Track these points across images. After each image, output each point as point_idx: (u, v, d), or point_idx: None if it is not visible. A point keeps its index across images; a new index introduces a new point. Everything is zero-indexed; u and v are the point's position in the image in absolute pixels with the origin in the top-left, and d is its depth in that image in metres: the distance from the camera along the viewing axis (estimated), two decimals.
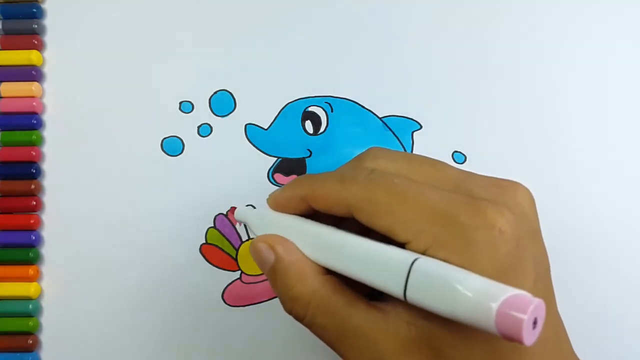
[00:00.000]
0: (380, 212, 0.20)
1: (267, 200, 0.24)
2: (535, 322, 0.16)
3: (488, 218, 0.18)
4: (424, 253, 0.19)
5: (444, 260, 0.18)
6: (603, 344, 0.30)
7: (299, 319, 0.22)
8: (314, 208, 0.22)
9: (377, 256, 0.19)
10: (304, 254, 0.22)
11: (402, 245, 0.19)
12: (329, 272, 0.21)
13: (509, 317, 0.16)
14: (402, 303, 0.19)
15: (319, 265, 0.21)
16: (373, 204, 0.20)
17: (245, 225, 0.31)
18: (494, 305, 0.16)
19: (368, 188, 0.20)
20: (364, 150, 0.23)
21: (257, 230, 0.24)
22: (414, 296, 0.18)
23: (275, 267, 0.22)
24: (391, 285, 0.18)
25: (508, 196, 0.20)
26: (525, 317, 0.15)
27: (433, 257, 0.18)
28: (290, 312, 0.22)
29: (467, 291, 0.16)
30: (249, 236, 0.31)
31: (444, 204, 0.19)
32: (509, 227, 0.18)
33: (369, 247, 0.20)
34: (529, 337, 0.16)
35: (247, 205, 0.31)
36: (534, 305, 0.16)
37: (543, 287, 0.20)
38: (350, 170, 0.22)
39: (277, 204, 0.24)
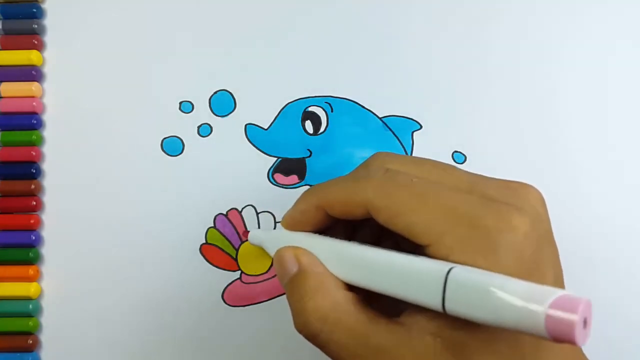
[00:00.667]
0: (399, 211, 0.19)
1: (282, 222, 0.23)
2: (585, 322, 0.16)
3: (512, 221, 0.18)
4: (446, 256, 0.18)
5: (470, 264, 0.18)
6: (603, 344, 0.30)
7: (313, 334, 0.21)
8: (329, 217, 0.22)
9: (408, 269, 0.19)
10: (327, 269, 0.21)
11: (421, 247, 0.19)
12: (350, 288, 0.21)
13: (560, 319, 0.15)
14: (424, 315, 0.19)
15: (342, 281, 0.21)
16: (392, 203, 0.19)
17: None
18: (542, 309, 0.15)
19: (386, 186, 0.20)
20: (369, 156, 0.23)
21: (274, 250, 0.24)
22: (454, 307, 0.17)
23: (295, 278, 0.21)
24: (428, 298, 0.18)
25: (522, 198, 0.20)
26: (576, 317, 0.15)
27: (457, 260, 0.18)
28: (303, 327, 0.21)
29: (512, 297, 0.16)
30: None
31: (466, 206, 0.19)
32: (531, 230, 0.19)
33: (398, 260, 0.19)
34: (581, 337, 0.15)
35: (250, 207, 0.31)
36: (583, 304, 0.15)
37: (560, 287, 0.20)
38: (363, 171, 0.21)
39: (292, 219, 0.23)
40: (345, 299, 0.20)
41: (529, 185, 0.21)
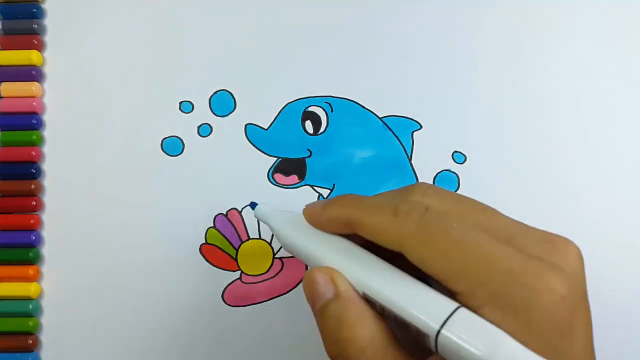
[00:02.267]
0: (436, 257, 0.19)
1: (304, 212, 0.23)
2: None
3: (551, 282, 0.18)
4: (477, 308, 0.18)
5: (500, 320, 0.18)
6: (604, 344, 0.30)
7: None
8: (357, 234, 0.21)
9: (420, 290, 0.19)
10: (359, 294, 0.20)
11: (452, 293, 0.19)
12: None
13: None
14: None
15: (374, 310, 0.20)
16: (429, 248, 0.19)
17: (259, 222, 0.30)
18: None
19: (424, 228, 0.19)
20: (411, 184, 0.22)
21: (286, 238, 0.23)
22: (446, 340, 0.18)
23: (331, 304, 0.20)
24: (428, 323, 0.18)
25: (561, 256, 0.20)
26: None
27: (488, 314, 0.18)
28: (337, 356, 0.20)
29: (501, 354, 0.17)
30: (248, 236, 0.31)
31: (504, 260, 0.18)
32: (569, 293, 0.18)
33: (413, 285, 0.19)
34: None
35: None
36: None
37: (590, 350, 0.19)
38: (404, 204, 0.20)
39: (316, 221, 0.22)
40: (383, 331, 0.20)
41: (570, 242, 0.20)
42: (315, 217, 0.22)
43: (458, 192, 0.31)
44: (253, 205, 0.26)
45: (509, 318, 0.18)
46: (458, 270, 0.19)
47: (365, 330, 0.20)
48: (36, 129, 0.31)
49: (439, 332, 0.18)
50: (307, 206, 0.23)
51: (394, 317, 0.19)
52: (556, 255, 0.19)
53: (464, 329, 0.18)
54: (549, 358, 0.17)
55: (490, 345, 0.17)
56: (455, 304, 0.18)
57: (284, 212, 0.24)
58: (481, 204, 0.21)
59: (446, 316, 0.18)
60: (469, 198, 0.22)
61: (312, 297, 0.21)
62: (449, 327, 0.18)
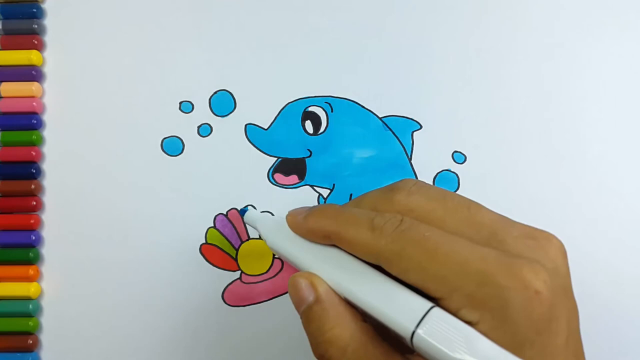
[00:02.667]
0: (411, 268, 0.19)
1: (287, 218, 0.23)
2: None
3: (524, 279, 0.18)
4: (456, 311, 0.19)
5: (478, 321, 0.18)
6: (606, 344, 0.30)
7: None
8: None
9: (396, 292, 0.20)
10: (339, 296, 0.21)
11: (434, 299, 0.19)
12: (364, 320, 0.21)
13: None
14: None
15: (357, 311, 0.21)
16: (403, 260, 0.20)
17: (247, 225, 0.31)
18: None
19: (398, 242, 0.20)
20: (398, 181, 0.23)
21: (270, 242, 0.24)
22: (420, 340, 0.18)
23: (313, 307, 0.21)
24: (402, 323, 0.19)
25: (542, 250, 0.20)
26: None
27: (466, 316, 0.19)
28: (321, 356, 0.21)
29: (473, 352, 0.17)
30: (249, 236, 0.31)
31: (478, 262, 0.19)
32: (544, 288, 0.18)
33: (388, 286, 0.20)
34: None
35: (247, 206, 0.31)
36: None
37: (574, 344, 0.20)
38: (381, 215, 0.21)
39: (297, 230, 0.23)
40: (362, 331, 0.21)
41: (552, 236, 0.21)
42: (297, 226, 0.23)
43: (458, 192, 0.31)
44: (243, 211, 0.27)
45: (485, 318, 0.18)
46: (433, 278, 0.19)
47: (344, 331, 0.20)
48: (36, 129, 0.31)
49: (413, 332, 0.18)
50: (290, 212, 0.23)
51: (374, 319, 0.20)
52: (537, 250, 0.20)
53: (436, 328, 0.18)
54: (526, 354, 0.18)
55: (462, 344, 0.18)
56: (429, 304, 0.19)
57: (272, 218, 0.25)
58: (466, 199, 0.22)
59: (420, 317, 0.18)
60: (454, 194, 0.22)
61: (296, 301, 0.22)
62: (422, 327, 0.18)
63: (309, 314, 0.21)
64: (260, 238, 0.31)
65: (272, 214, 0.30)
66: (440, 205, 0.21)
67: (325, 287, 0.21)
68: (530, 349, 0.18)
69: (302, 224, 0.23)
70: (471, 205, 0.21)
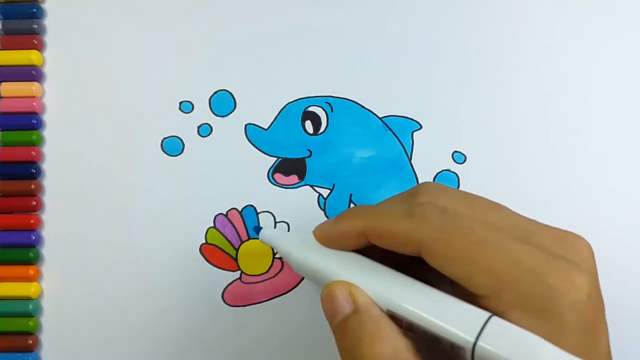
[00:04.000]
0: (458, 259, 0.18)
1: (315, 233, 0.22)
2: None
3: (575, 281, 0.18)
4: (505, 311, 0.18)
5: (530, 322, 0.17)
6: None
7: None
8: (371, 244, 0.21)
9: (450, 304, 0.18)
10: (380, 309, 0.20)
11: (475, 296, 0.18)
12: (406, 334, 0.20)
13: None
14: None
15: (398, 325, 0.20)
16: (450, 249, 0.18)
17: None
18: None
19: (443, 229, 0.19)
20: (415, 186, 0.22)
21: (299, 260, 0.22)
22: (484, 351, 0.17)
23: (351, 320, 0.19)
24: (463, 333, 0.18)
25: (577, 252, 0.19)
26: None
27: (516, 317, 0.18)
28: None
29: None
30: (249, 236, 0.31)
31: (530, 260, 0.18)
32: (593, 292, 0.18)
33: (440, 297, 0.19)
34: None
35: (248, 206, 0.31)
36: None
37: (609, 348, 0.19)
38: (417, 206, 0.20)
39: (329, 237, 0.22)
40: (405, 347, 0.19)
41: (581, 238, 0.20)
42: (327, 233, 0.22)
43: None
44: (257, 229, 0.25)
45: (539, 321, 0.17)
46: (482, 272, 0.18)
47: (386, 348, 0.19)
48: (36, 129, 0.31)
49: (475, 344, 0.17)
50: (317, 227, 0.22)
51: (423, 332, 0.19)
52: (574, 252, 0.19)
53: (500, 338, 0.17)
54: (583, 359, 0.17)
55: (529, 352, 0.17)
56: (487, 314, 0.18)
57: (292, 234, 0.24)
58: (491, 201, 0.21)
59: (480, 327, 0.17)
60: (478, 196, 0.21)
61: (331, 312, 0.20)
62: (485, 337, 0.17)
63: (344, 327, 0.20)
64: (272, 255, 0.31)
65: (288, 224, 0.30)
66: (468, 205, 0.20)
67: (364, 298, 0.20)
68: (583, 353, 0.17)
69: (333, 229, 0.21)
70: (498, 206, 0.21)
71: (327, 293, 0.20)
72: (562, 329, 0.17)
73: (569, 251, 0.19)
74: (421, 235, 0.19)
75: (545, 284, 0.18)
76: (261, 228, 0.25)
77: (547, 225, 0.20)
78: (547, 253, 0.18)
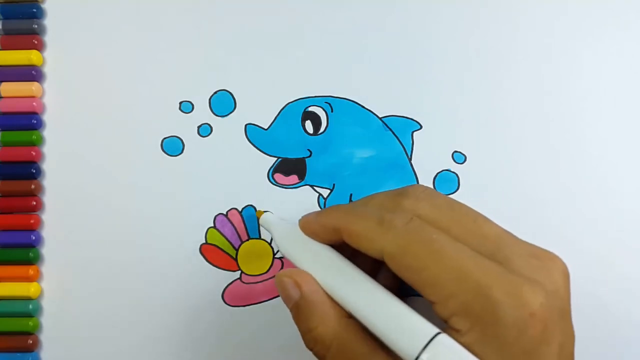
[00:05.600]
0: (413, 266, 0.20)
1: (299, 222, 0.24)
2: None
3: (521, 298, 0.18)
4: (448, 318, 0.19)
5: (467, 331, 0.18)
6: (605, 344, 0.30)
7: (319, 357, 0.22)
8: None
9: (401, 315, 0.20)
10: (327, 294, 0.22)
11: (429, 302, 0.19)
12: (350, 316, 0.21)
13: None
14: None
15: (342, 309, 0.21)
16: (407, 257, 0.20)
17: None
18: None
19: (405, 238, 0.20)
20: (407, 186, 0.23)
21: (282, 246, 0.24)
22: None
23: (299, 305, 0.22)
24: (406, 348, 0.19)
25: (544, 271, 0.20)
26: None
27: (457, 324, 0.18)
28: (311, 350, 0.22)
29: None
30: (249, 236, 0.31)
31: (478, 273, 0.19)
32: (540, 310, 0.18)
33: (395, 306, 0.20)
34: None
35: (266, 211, 0.31)
36: None
37: None
38: (391, 213, 0.21)
39: (309, 228, 0.24)
40: (345, 328, 0.21)
41: (556, 257, 0.21)
42: (308, 225, 0.24)
43: (458, 192, 0.31)
44: (248, 212, 0.28)
45: (476, 330, 0.18)
46: (432, 281, 0.19)
47: (328, 330, 0.21)
48: (36, 129, 0.31)
49: (417, 357, 0.18)
50: (303, 216, 0.24)
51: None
52: (539, 271, 0.20)
53: (441, 356, 0.18)
54: None
55: None
56: (434, 330, 0.19)
57: (286, 223, 0.26)
58: (474, 211, 0.22)
59: (425, 343, 0.18)
60: (462, 205, 0.22)
61: (284, 298, 0.23)
62: (427, 354, 0.18)
63: (295, 311, 0.22)
64: (260, 237, 0.31)
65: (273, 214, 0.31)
66: (447, 214, 0.21)
67: (310, 287, 0.22)
68: None
69: (313, 221, 0.23)
70: (478, 217, 0.22)
71: (277, 282, 0.23)
72: (497, 343, 0.18)
73: (536, 270, 0.20)
74: (384, 242, 0.20)
75: (487, 297, 0.18)
76: (264, 212, 0.28)
77: (523, 242, 0.21)
78: (504, 268, 0.19)
